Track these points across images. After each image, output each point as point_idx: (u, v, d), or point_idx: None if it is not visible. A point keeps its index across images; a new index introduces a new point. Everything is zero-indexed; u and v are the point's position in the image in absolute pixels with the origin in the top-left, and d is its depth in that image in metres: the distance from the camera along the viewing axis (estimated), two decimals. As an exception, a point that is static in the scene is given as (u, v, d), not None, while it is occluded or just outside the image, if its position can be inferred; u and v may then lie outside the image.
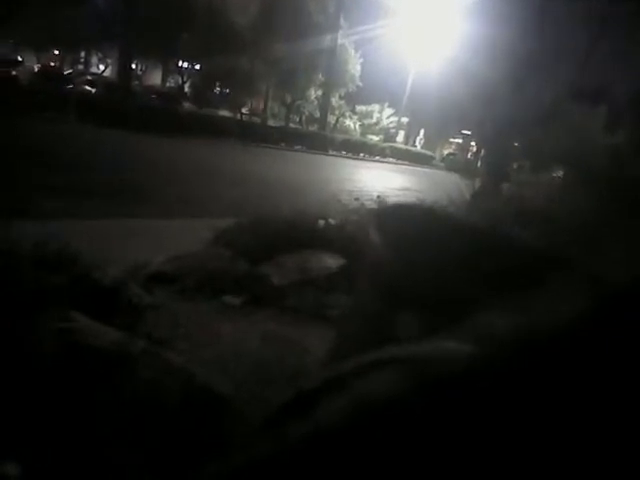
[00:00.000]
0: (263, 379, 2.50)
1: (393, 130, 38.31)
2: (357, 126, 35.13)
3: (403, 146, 36.05)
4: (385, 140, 35.13)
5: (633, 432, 0.25)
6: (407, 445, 0.27)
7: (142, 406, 1.80)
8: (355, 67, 30.35)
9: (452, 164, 32.24)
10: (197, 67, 29.62)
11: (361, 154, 29.97)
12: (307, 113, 32.42)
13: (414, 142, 40.68)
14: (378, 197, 6.40)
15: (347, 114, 34.25)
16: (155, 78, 34.52)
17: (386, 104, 36.57)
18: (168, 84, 32.42)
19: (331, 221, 5.06)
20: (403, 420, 0.27)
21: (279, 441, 0.30)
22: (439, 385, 0.28)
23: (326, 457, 0.28)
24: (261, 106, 31.73)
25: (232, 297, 3.91)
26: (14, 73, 22.72)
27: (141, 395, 1.85)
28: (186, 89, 29.60)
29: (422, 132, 42.17)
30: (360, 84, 30.59)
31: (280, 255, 4.45)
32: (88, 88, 22.92)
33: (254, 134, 23.69)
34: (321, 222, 4.99)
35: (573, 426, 0.26)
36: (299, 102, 30.57)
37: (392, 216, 0.60)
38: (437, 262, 0.52)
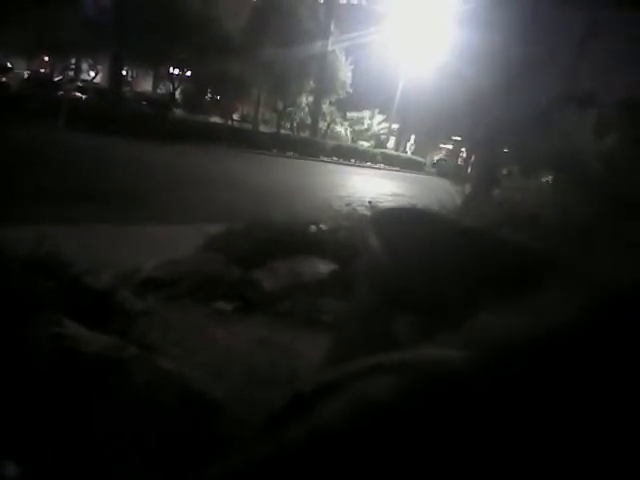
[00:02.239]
0: (256, 384, 2.50)
1: (384, 136, 38.42)
2: (348, 132, 35.20)
3: (394, 152, 36.17)
4: (376, 146, 35.23)
5: (632, 434, 0.25)
6: (403, 447, 0.27)
7: (136, 412, 1.79)
8: (346, 74, 30.43)
9: (443, 170, 32.43)
10: (188, 73, 29.60)
11: (352, 160, 30.03)
12: (298, 119, 32.43)
13: (405, 148, 40.82)
14: (370, 203, 6.42)
15: (338, 120, 34.31)
16: (146, 84, 34.46)
17: (377, 110, 36.69)
18: (159, 90, 32.37)
19: (323, 227, 5.07)
20: (399, 423, 0.27)
21: (278, 443, 0.30)
22: (435, 389, 0.28)
23: (324, 458, 0.28)
24: (252, 112, 31.74)
25: (224, 303, 3.90)
26: (4, 79, 22.64)
27: (134, 401, 1.84)
28: (177, 95, 29.57)
29: (413, 138, 42.32)
30: (351, 90, 30.66)
31: (272, 260, 4.45)
32: (78, 94, 22.82)
33: (246, 140, 23.69)
34: (313, 228, 5.00)
35: (571, 429, 0.25)
36: (290, 108, 30.60)
37: (388, 219, 0.60)
38: (434, 265, 0.52)
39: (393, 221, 0.60)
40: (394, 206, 0.61)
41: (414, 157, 37.04)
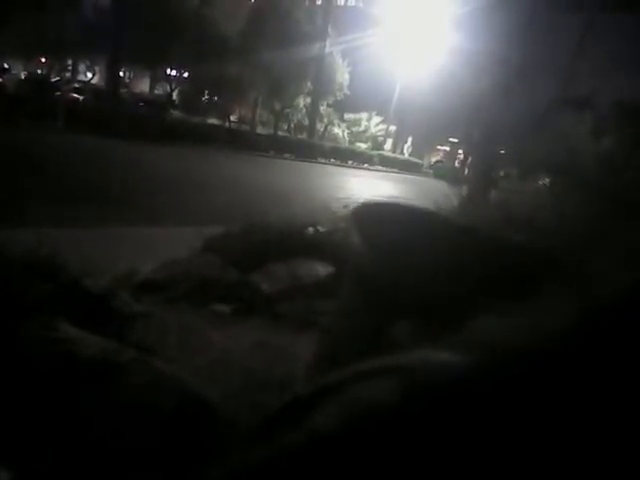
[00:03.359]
0: (254, 386, 2.50)
1: (381, 138, 38.45)
2: (345, 134, 35.21)
3: (391, 154, 36.20)
4: (373, 148, 35.26)
5: (633, 441, 0.25)
6: (401, 451, 0.27)
7: (132, 415, 1.79)
8: (343, 75, 30.45)
9: (440, 172, 32.48)
10: (185, 75, 29.59)
11: (349, 162, 30.05)
12: (296, 121, 32.45)
13: (402, 150, 40.85)
14: (365, 201, 6.40)
15: (335, 122, 34.33)
16: (143, 86, 34.43)
17: (374, 112, 36.72)
18: (156, 92, 32.34)
19: (321, 228, 5.07)
20: (397, 427, 0.27)
21: (275, 446, 0.30)
22: (433, 393, 0.28)
23: (321, 462, 0.28)
24: (250, 114, 31.74)
25: (222, 305, 3.90)
26: (0, 81, 22.60)
27: (132, 403, 1.83)
28: (174, 97, 29.56)
29: (410, 140, 42.36)
30: (348, 92, 30.68)
31: (270, 262, 4.45)
32: (76, 96, 22.78)
33: (243, 142, 23.68)
34: (311, 229, 5.00)
35: (572, 432, 0.25)
36: (288, 110, 30.60)
37: (371, 214, 0.59)
38: (422, 264, 0.51)
39: (376, 216, 0.59)
40: (377, 200, 0.59)
41: (411, 159, 37.08)
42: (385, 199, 0.61)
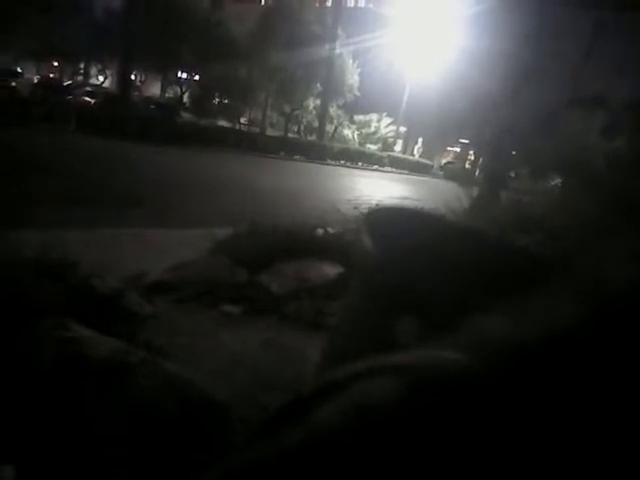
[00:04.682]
0: (262, 387, 2.50)
1: (391, 139, 38.35)
2: (355, 135, 35.15)
3: (401, 155, 36.09)
4: (383, 149, 35.19)
5: (633, 439, 0.25)
6: (400, 450, 0.27)
7: (141, 415, 1.80)
8: (353, 77, 30.42)
9: (450, 173, 32.32)
10: (196, 78, 29.73)
11: (359, 163, 30.03)
12: (305, 123, 32.46)
13: (412, 151, 40.73)
14: (377, 206, 6.38)
15: (345, 123, 34.27)
16: (154, 89, 34.64)
17: (384, 113, 36.63)
18: (167, 95, 32.53)
19: (330, 230, 5.07)
20: (398, 426, 0.27)
21: (276, 444, 0.30)
22: (433, 392, 0.28)
23: (322, 460, 0.28)
24: (260, 116, 31.81)
25: (232, 306, 3.91)
26: (14, 84, 22.83)
27: (139, 404, 1.84)
28: (185, 99, 29.70)
29: (420, 141, 42.25)
30: (358, 94, 30.64)
31: (280, 264, 4.45)
32: (88, 99, 22.97)
33: (253, 144, 23.75)
34: (320, 231, 5.00)
35: (572, 431, 0.25)
36: (297, 112, 30.63)
37: (380, 218, 0.60)
38: (427, 265, 0.51)
39: (385, 220, 0.59)
40: (387, 205, 0.60)
41: (422, 160, 36.94)
42: (395, 204, 0.62)
